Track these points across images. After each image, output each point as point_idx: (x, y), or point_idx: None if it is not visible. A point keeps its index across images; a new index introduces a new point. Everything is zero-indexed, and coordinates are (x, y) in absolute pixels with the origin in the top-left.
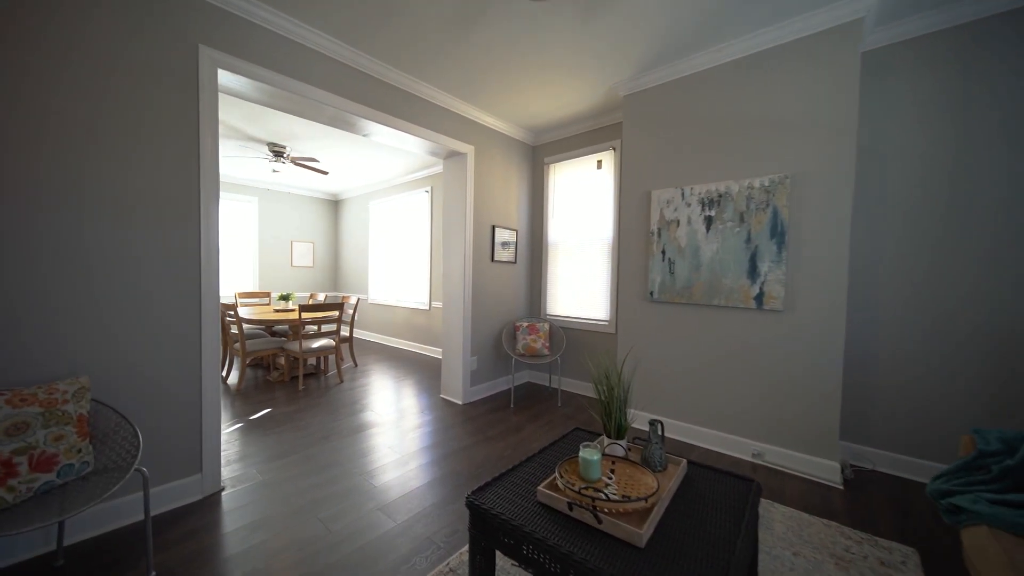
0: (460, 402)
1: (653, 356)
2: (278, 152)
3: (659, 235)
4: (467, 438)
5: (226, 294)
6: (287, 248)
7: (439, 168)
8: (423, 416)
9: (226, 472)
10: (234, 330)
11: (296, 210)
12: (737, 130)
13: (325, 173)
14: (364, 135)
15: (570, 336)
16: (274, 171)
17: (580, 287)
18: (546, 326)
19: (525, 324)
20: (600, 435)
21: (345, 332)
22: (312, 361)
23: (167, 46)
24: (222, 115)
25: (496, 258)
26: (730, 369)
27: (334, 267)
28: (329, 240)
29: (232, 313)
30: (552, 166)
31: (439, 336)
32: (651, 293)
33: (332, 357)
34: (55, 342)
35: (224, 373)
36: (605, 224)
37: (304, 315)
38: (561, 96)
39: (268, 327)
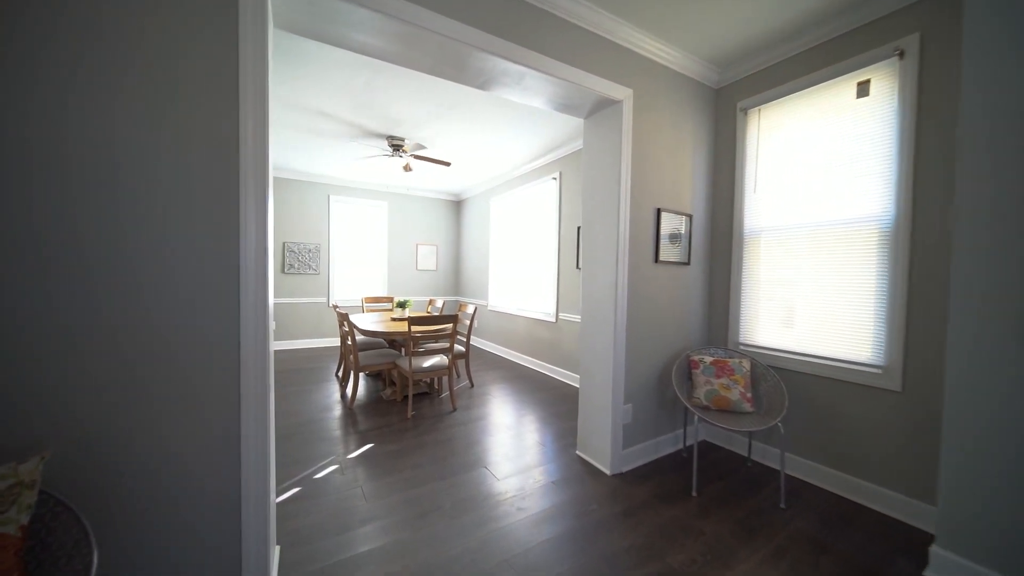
0: (607, 471)
1: None
2: (396, 145)
3: None
4: (626, 557)
5: (353, 298)
6: (412, 251)
7: (570, 148)
8: (554, 491)
9: (287, 555)
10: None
11: (421, 213)
12: None
13: (447, 164)
14: (479, 85)
15: (797, 384)
16: (405, 168)
17: (818, 303)
18: (745, 364)
19: (708, 359)
20: None
21: (460, 345)
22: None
23: None
24: (328, 105)
25: (661, 257)
26: None
27: (456, 271)
28: (451, 243)
29: (346, 322)
30: (755, 114)
31: (569, 355)
32: None
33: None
34: None
35: (346, 385)
36: (876, 195)
37: (414, 329)
38: None
39: (387, 337)
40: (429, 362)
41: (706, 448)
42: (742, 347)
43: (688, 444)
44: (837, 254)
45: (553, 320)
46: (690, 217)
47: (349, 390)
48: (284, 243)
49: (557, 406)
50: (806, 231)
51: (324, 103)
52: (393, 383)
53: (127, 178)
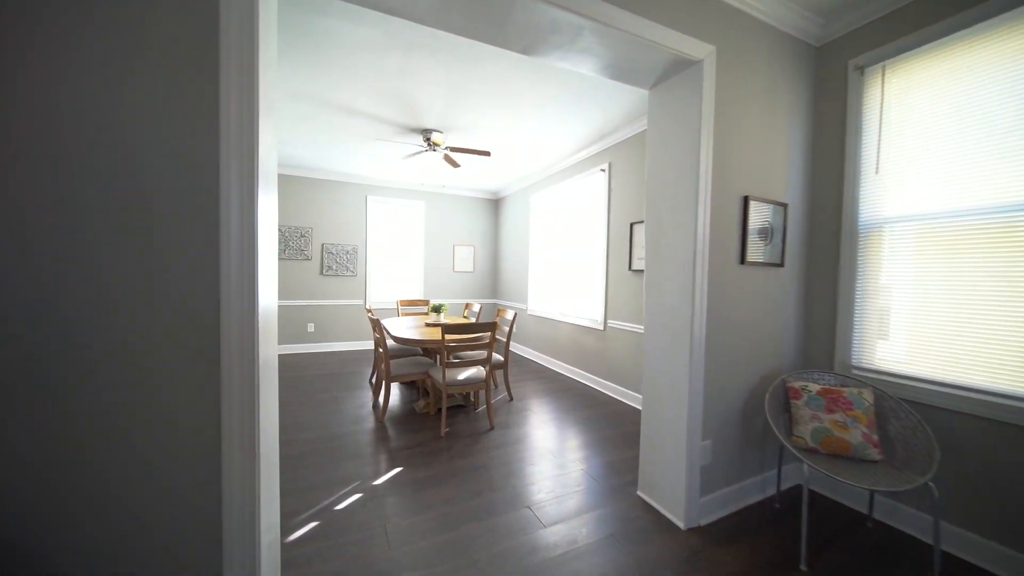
0: (681, 524)
1: None
2: (434, 143)
3: None
4: None
5: (388, 300)
6: (449, 252)
7: (621, 135)
8: (613, 549)
9: None
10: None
11: (458, 212)
12: None
13: (487, 154)
14: (522, 48)
15: (941, 424)
16: (448, 161)
17: (970, 316)
18: (866, 396)
19: (815, 387)
20: None
21: (499, 354)
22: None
23: None
24: (360, 99)
25: (749, 258)
26: None
27: (493, 273)
28: (489, 243)
29: (378, 328)
30: (876, 73)
31: (619, 368)
32: None
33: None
34: None
35: (378, 394)
36: None
37: (448, 338)
38: None
39: (420, 345)
40: (464, 374)
41: (801, 495)
42: (855, 371)
43: (781, 489)
44: (1000, 253)
45: (600, 328)
46: (785, 207)
47: (381, 399)
48: (323, 244)
49: (607, 428)
50: (952, 222)
51: (355, 97)
52: (427, 393)
53: (76, 148)
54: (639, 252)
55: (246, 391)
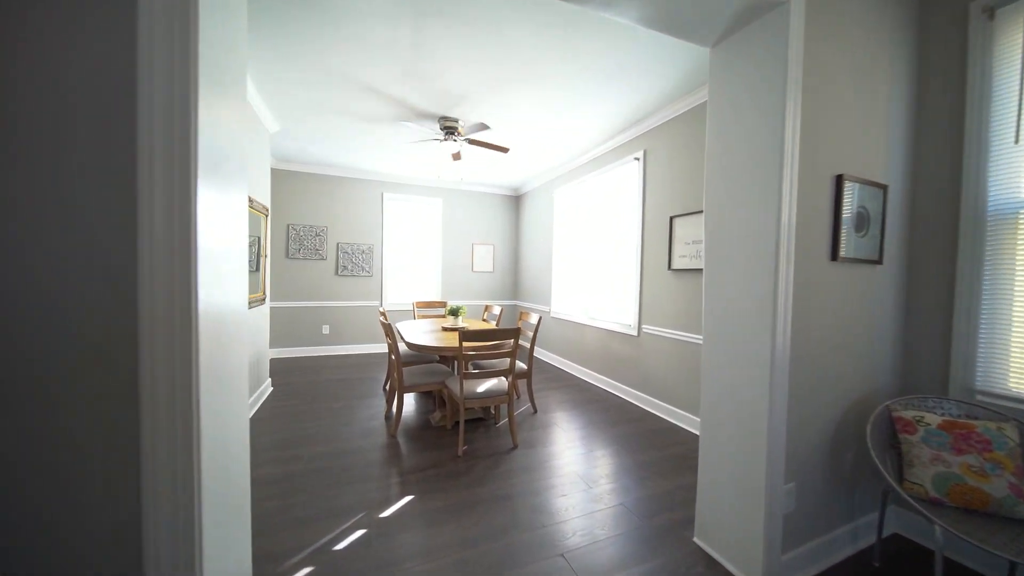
0: None
1: None
2: (450, 128)
3: None
4: None
5: (405, 302)
6: (468, 251)
7: (659, 118)
8: None
9: None
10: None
11: (477, 209)
12: None
13: (504, 150)
14: None
15: None
16: (453, 156)
17: None
18: (1010, 434)
19: (935, 419)
20: None
21: (522, 361)
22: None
23: None
24: (375, 75)
25: (842, 253)
26: None
27: (514, 272)
28: (509, 241)
29: (391, 333)
30: (1015, 15)
31: (655, 379)
32: None
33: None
34: None
35: (391, 404)
36: None
37: (466, 345)
38: None
39: (435, 352)
40: (484, 386)
41: (905, 550)
42: (981, 398)
43: (880, 539)
44: None
45: (633, 333)
46: (884, 189)
47: (394, 410)
48: (338, 244)
49: (644, 448)
50: None
51: (368, 72)
52: (444, 404)
53: None
54: (681, 249)
55: (179, 412)
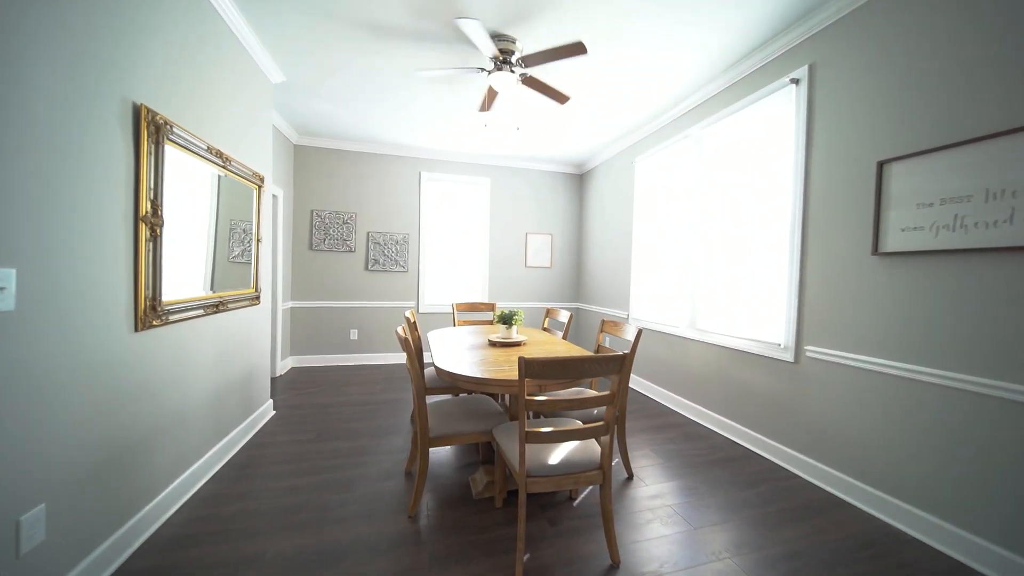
0: None
1: None
2: (506, 53)
3: None
4: None
5: (442, 303)
6: (520, 243)
7: (835, 11)
8: None
9: None
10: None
11: (531, 192)
12: None
13: (565, 98)
14: None
15: None
16: (490, 96)
17: None
18: None
19: None
20: None
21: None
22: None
23: None
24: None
25: None
26: None
27: (576, 267)
28: (571, 230)
29: (410, 350)
30: None
31: (838, 438)
32: None
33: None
34: None
35: (413, 462)
36: None
37: (533, 383)
38: None
39: (483, 388)
40: (560, 455)
41: None
42: None
43: None
44: None
45: (786, 357)
46: None
47: (416, 467)
48: (368, 233)
49: (844, 566)
50: None
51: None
52: (491, 458)
53: None
54: (905, 216)
55: None
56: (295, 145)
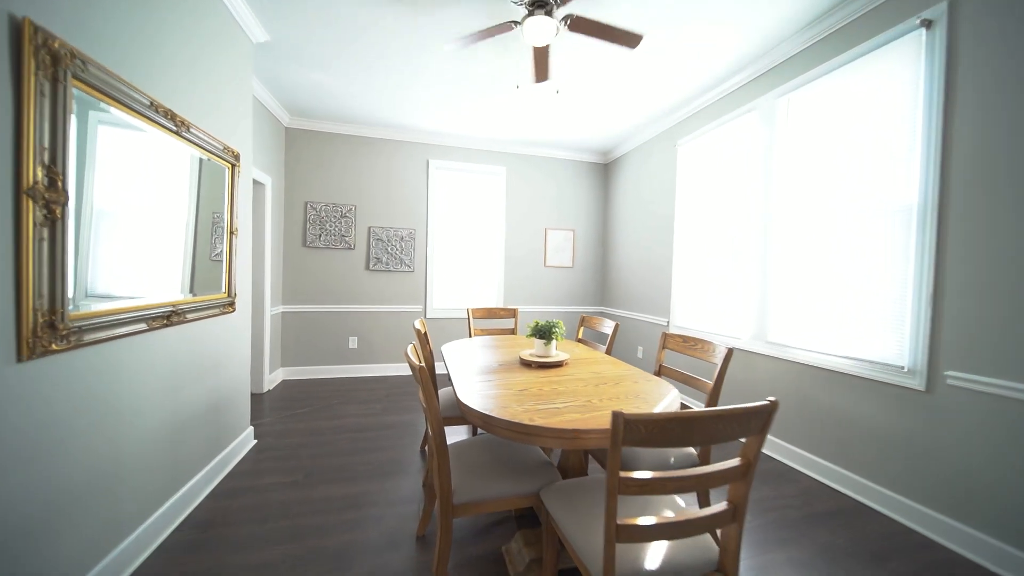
0: None
1: None
2: None
3: None
4: None
5: (453, 308)
6: (539, 239)
7: None
8: None
9: None
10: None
11: (552, 182)
12: None
13: (636, 39)
14: None
15: None
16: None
17: None
18: None
19: None
20: None
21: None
22: None
23: None
24: None
25: None
26: None
27: (601, 267)
28: (595, 225)
29: (425, 380)
30: None
31: (989, 493)
32: None
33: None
34: None
35: (426, 524)
36: None
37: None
38: None
39: (538, 441)
40: (659, 553)
41: None
42: None
43: None
44: None
45: (914, 384)
46: None
47: (432, 533)
48: (369, 228)
49: None
50: None
51: None
52: (529, 526)
53: None
54: None
55: None
56: (286, 128)
